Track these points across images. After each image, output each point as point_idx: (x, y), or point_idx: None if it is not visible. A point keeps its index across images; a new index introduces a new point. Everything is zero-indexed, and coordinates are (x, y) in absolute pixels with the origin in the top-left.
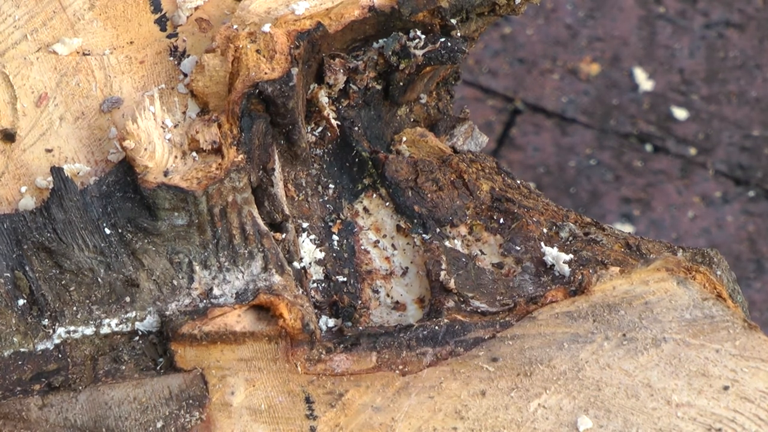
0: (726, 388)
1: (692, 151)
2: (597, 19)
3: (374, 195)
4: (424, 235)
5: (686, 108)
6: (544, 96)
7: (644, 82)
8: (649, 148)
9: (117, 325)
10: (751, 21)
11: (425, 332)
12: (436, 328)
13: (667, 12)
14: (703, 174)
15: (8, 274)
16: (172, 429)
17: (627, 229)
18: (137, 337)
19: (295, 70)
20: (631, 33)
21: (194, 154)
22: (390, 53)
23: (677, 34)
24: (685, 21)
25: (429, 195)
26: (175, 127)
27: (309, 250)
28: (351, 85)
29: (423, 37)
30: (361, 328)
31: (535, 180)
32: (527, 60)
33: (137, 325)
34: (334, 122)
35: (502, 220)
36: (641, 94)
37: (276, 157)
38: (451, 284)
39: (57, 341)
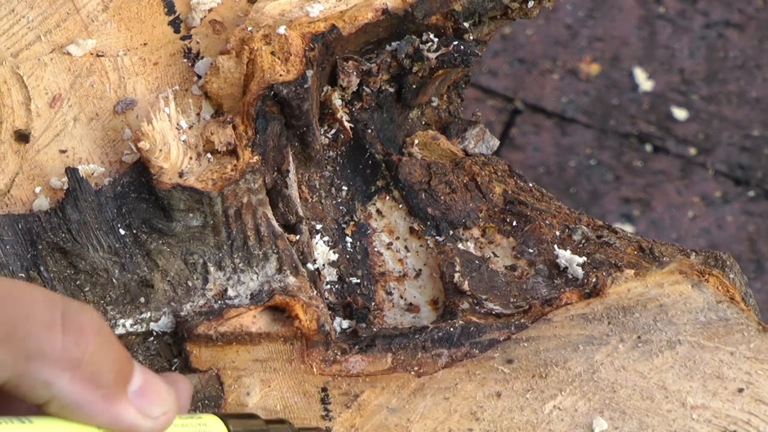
0: (741, 390)
1: (692, 151)
2: (597, 19)
3: (387, 197)
4: (437, 237)
5: (686, 108)
6: (544, 96)
7: (644, 82)
8: (649, 148)
9: (132, 325)
10: (751, 21)
11: (440, 334)
12: (451, 329)
13: (667, 12)
14: (703, 174)
15: (23, 275)
16: None
17: (627, 229)
18: (152, 338)
19: (309, 72)
20: (631, 33)
21: (209, 155)
22: (403, 56)
23: (677, 34)
24: (685, 21)
25: (442, 197)
26: (189, 128)
27: (322, 252)
28: (364, 87)
29: (436, 40)
30: (375, 329)
31: (535, 180)
32: (527, 60)
33: (152, 325)
34: (347, 124)
35: (515, 223)
36: (641, 94)
37: (291, 158)
38: (465, 286)
39: None
